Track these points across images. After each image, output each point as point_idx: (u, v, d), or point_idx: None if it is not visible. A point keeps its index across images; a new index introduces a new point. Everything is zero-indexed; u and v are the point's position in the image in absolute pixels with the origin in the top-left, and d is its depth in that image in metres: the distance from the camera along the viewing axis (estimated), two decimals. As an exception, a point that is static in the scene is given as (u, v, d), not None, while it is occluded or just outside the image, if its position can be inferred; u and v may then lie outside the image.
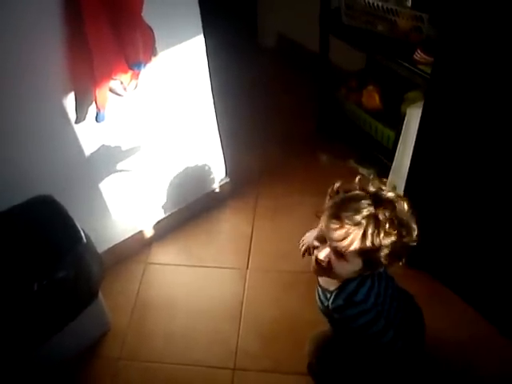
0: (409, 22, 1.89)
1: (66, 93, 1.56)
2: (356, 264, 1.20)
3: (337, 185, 1.27)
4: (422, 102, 1.60)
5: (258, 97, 2.94)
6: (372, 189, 1.20)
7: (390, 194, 1.19)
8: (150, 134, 1.89)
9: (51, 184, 1.67)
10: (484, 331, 1.79)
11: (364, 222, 1.13)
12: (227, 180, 2.35)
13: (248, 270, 2.08)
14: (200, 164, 2.17)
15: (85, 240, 1.50)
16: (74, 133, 1.66)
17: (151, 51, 1.56)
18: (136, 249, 2.16)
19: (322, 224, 1.22)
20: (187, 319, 1.94)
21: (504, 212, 1.51)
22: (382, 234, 1.13)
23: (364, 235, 1.14)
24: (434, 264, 1.89)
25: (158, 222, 2.19)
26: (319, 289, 1.40)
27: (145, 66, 1.53)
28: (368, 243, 1.14)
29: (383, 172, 2.17)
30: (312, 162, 2.50)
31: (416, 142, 1.67)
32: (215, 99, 2.02)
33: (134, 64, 1.49)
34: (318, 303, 1.42)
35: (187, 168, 2.13)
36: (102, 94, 1.53)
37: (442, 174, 1.64)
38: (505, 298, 1.68)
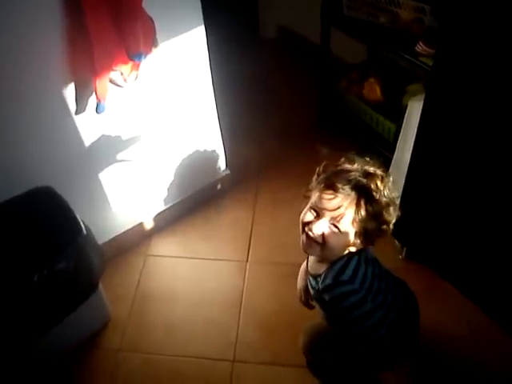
0: (411, 13, 1.88)
1: (67, 84, 1.55)
2: (349, 235, 1.23)
3: (324, 163, 1.33)
4: (424, 95, 1.59)
5: (258, 89, 2.93)
6: (358, 165, 1.27)
7: (374, 169, 1.26)
8: (150, 126, 1.89)
9: (51, 175, 1.66)
10: (484, 326, 1.79)
11: (356, 190, 1.19)
12: (227, 172, 2.34)
13: (248, 263, 2.08)
14: (200, 156, 2.16)
15: (85, 231, 1.50)
16: (74, 124, 1.65)
17: (152, 42, 1.55)
18: (136, 241, 2.16)
19: (313, 198, 1.26)
20: (187, 311, 1.94)
21: (505, 206, 1.51)
22: (373, 203, 1.19)
23: (358, 204, 1.19)
24: (433, 258, 1.89)
25: (158, 213, 2.19)
26: (310, 278, 1.42)
27: (145, 57, 1.53)
28: (362, 212, 1.19)
29: (384, 165, 2.16)
30: (312, 155, 2.49)
31: (417, 134, 1.66)
32: (215, 91, 2.01)
33: (134, 55, 1.48)
34: (311, 291, 1.43)
35: (187, 160, 2.13)
36: (103, 84, 1.53)
37: (442, 167, 1.63)
38: (505, 292, 1.68)
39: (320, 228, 1.22)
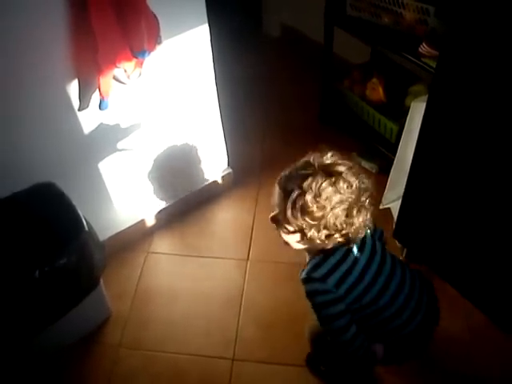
0: (415, 14, 1.88)
1: (70, 80, 1.55)
2: (292, 235, 1.22)
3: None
4: (427, 96, 1.59)
5: (261, 87, 2.93)
6: (320, 161, 1.23)
7: (341, 167, 1.21)
8: (153, 123, 1.89)
9: (54, 171, 1.67)
10: (484, 328, 1.79)
11: (282, 192, 1.18)
12: (229, 171, 2.35)
13: (248, 261, 2.09)
14: (202, 154, 2.17)
15: (86, 228, 1.50)
16: (77, 120, 1.66)
17: (155, 39, 1.56)
18: (137, 237, 2.17)
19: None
20: (187, 309, 1.95)
21: (506, 208, 1.51)
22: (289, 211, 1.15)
23: (282, 205, 1.18)
24: (434, 259, 1.89)
25: (160, 211, 2.20)
26: None
27: (149, 54, 1.53)
28: (285, 213, 1.17)
29: (386, 165, 2.17)
30: (314, 154, 2.49)
31: (419, 136, 1.66)
32: (218, 89, 2.01)
33: (138, 52, 1.49)
34: None
35: (189, 158, 2.13)
36: (106, 81, 1.53)
37: (444, 168, 1.63)
38: (505, 294, 1.68)
39: (270, 217, 1.24)
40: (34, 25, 1.38)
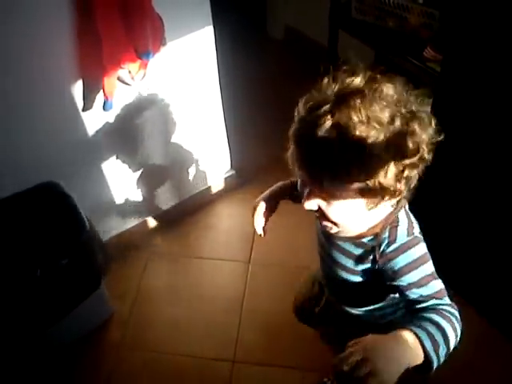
0: (419, 18, 1.88)
1: (75, 81, 1.56)
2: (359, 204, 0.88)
3: (301, 103, 0.96)
4: (430, 100, 1.59)
5: (264, 89, 2.93)
6: (332, 88, 0.89)
7: (357, 81, 0.88)
8: (156, 125, 1.89)
9: (57, 171, 1.67)
10: (485, 332, 1.78)
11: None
12: (232, 172, 2.34)
13: (250, 264, 2.09)
14: (206, 156, 2.17)
15: (88, 228, 1.51)
16: (81, 120, 1.66)
17: (160, 41, 1.56)
18: (139, 238, 2.17)
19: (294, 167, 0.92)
20: (188, 310, 1.95)
21: (510, 213, 1.51)
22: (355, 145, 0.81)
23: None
24: (435, 263, 1.89)
25: (163, 212, 2.20)
26: (339, 243, 1.06)
27: (153, 55, 1.53)
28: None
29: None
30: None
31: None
32: (222, 91, 2.01)
33: (142, 53, 1.49)
34: (341, 261, 1.08)
35: (193, 159, 2.13)
36: (111, 82, 1.53)
37: (448, 173, 1.63)
38: (506, 298, 1.68)
39: (310, 204, 0.91)
40: (40, 26, 1.39)
